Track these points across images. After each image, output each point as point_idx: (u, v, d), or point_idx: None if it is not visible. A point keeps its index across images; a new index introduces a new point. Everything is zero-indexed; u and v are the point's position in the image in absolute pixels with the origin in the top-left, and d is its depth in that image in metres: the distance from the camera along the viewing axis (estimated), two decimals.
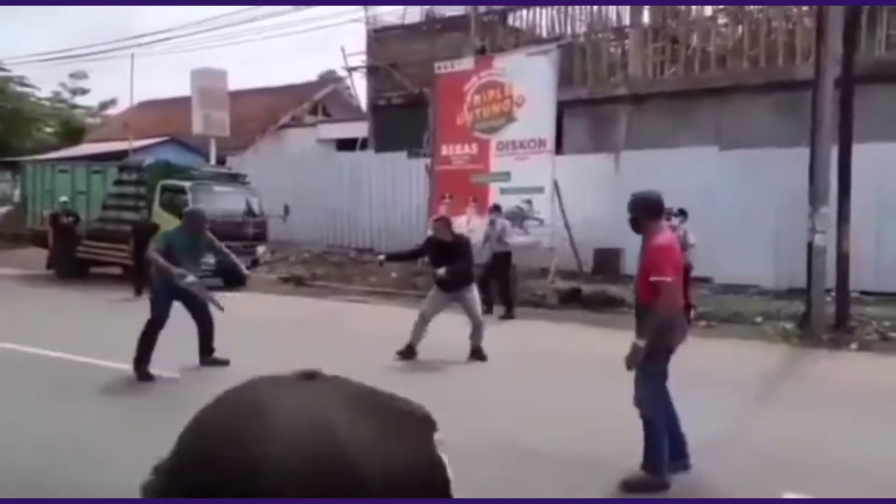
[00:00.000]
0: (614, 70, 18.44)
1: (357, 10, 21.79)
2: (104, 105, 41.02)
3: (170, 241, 7.32)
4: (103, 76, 71.19)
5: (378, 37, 22.11)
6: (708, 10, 17.60)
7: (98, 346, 7.77)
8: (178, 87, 21.00)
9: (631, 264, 13.34)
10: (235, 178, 15.76)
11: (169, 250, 7.14)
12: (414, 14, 21.91)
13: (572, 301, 11.34)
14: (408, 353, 7.75)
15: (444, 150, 14.40)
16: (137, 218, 13.94)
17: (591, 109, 17.10)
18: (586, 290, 11.67)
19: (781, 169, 11.79)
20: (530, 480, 4.48)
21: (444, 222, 8.13)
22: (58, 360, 7.46)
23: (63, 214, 14.53)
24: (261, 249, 15.09)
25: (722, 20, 17.61)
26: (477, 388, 6.75)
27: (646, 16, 18.32)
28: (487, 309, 9.85)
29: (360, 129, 23.06)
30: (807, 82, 10.24)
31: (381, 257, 8.87)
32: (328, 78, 32.49)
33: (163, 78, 51.38)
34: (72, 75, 40.81)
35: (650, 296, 4.32)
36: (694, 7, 17.72)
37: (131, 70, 23.46)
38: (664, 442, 4.34)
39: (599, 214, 13.17)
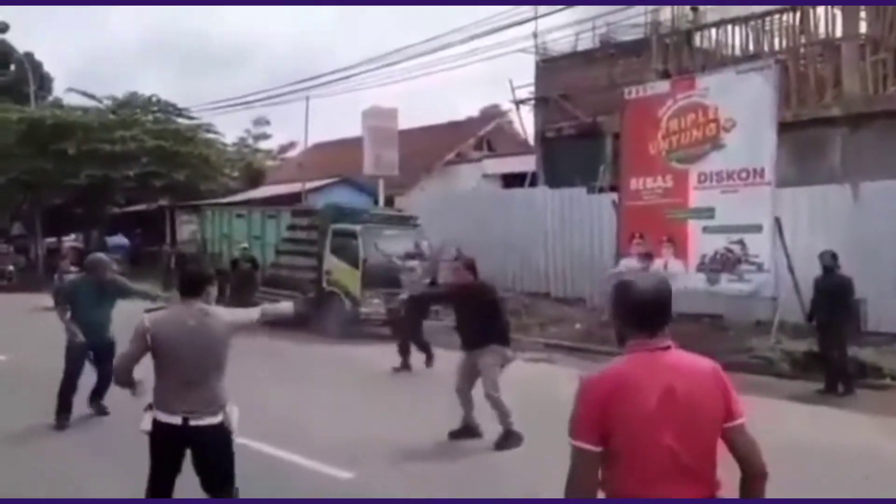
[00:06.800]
0: (824, 88, 16.09)
1: (526, 40, 20.81)
2: (283, 148, 43.18)
3: (74, 289, 7.26)
4: (285, 120, 76.02)
5: (547, 66, 21.03)
6: None
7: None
8: (350, 127, 21.02)
9: (876, 318, 11.12)
10: (406, 221, 15.07)
11: (71, 301, 7.13)
12: (585, 41, 20.71)
13: (809, 368, 9.26)
14: (463, 433, 6.60)
15: (634, 184, 12.79)
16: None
17: (797, 134, 14.90)
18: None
19: None
20: None
21: (465, 263, 6.99)
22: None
23: (243, 261, 14.42)
24: None
25: None
26: None
27: (862, 26, 15.99)
28: None
29: (526, 163, 22.05)
30: None
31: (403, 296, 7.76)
32: (492, 112, 31.94)
33: (336, 119, 53.35)
34: (255, 122, 43.49)
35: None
36: None
37: (306, 113, 23.76)
38: None
39: None
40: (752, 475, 2.32)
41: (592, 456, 2.22)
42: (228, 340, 4.01)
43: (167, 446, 3.92)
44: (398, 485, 5.57)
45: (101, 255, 7.57)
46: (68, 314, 7.14)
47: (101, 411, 7.41)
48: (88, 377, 7.30)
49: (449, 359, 11.14)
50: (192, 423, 3.83)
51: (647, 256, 10.90)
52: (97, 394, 7.45)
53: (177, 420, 3.82)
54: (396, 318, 11.82)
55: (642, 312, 2.32)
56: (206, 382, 3.90)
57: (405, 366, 10.24)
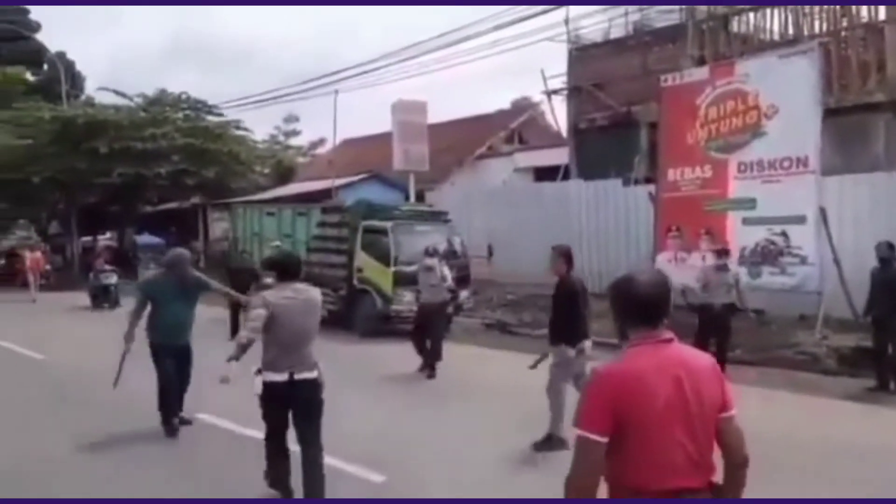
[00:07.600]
0: (867, 73, 15.51)
1: (554, 28, 20.47)
2: (314, 145, 43.31)
3: (151, 288, 6.92)
4: (314, 117, 76.60)
5: (579, 55, 20.63)
6: None
7: None
8: (379, 122, 20.82)
9: None
10: (437, 217, 14.82)
11: (152, 298, 6.76)
12: (618, 28, 20.28)
13: (857, 364, 8.86)
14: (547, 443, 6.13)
15: (671, 175, 12.40)
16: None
17: (839, 121, 14.39)
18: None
19: None
20: None
21: (562, 252, 6.53)
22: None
23: None
24: (464, 294, 13.84)
25: None
26: None
27: None
28: None
29: (558, 156, 21.68)
30: None
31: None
32: (523, 105, 31.54)
33: (366, 114, 53.30)
34: (285, 119, 43.69)
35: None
36: None
37: (334, 107, 23.59)
38: None
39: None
40: (737, 464, 2.39)
41: (598, 446, 2.22)
42: (319, 311, 5.02)
43: (277, 401, 4.81)
44: (432, 489, 5.38)
45: (182, 251, 7.11)
46: (146, 315, 6.72)
47: (183, 422, 6.88)
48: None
49: (480, 358, 11.01)
50: (296, 376, 4.77)
51: (724, 253, 9.60)
52: (177, 402, 6.94)
53: (284, 377, 4.74)
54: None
55: (645, 305, 2.34)
56: (305, 346, 4.86)
57: (427, 366, 9.84)
